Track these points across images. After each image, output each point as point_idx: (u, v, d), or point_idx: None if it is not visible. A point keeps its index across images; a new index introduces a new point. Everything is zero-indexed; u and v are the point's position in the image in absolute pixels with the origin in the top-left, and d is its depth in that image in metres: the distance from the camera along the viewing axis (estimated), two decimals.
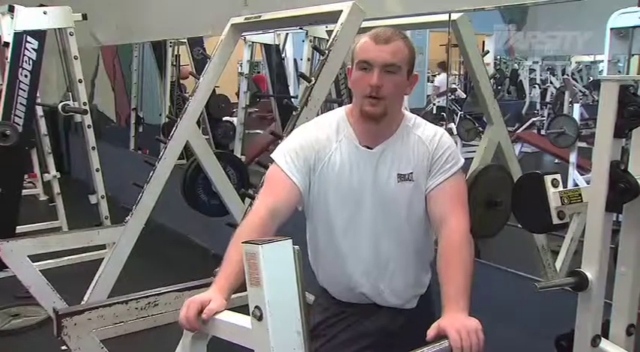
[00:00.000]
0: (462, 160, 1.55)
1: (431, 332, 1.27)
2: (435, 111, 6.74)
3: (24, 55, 3.38)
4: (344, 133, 1.55)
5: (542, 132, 6.22)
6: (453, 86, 6.81)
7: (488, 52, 6.25)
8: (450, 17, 2.67)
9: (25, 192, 4.24)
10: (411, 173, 1.51)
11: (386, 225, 1.53)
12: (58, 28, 3.66)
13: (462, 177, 1.55)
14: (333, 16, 2.23)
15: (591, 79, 7.37)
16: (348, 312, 1.63)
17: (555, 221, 1.76)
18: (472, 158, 2.88)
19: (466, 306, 1.33)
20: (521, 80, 8.03)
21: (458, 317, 1.28)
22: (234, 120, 5.41)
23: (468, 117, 6.00)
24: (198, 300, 1.26)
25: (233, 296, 1.93)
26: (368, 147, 1.53)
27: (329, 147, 1.53)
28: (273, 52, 5.30)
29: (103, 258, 2.82)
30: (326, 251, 1.60)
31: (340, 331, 1.63)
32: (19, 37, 3.38)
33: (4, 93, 3.38)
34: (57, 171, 4.54)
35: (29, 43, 3.40)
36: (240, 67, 5.41)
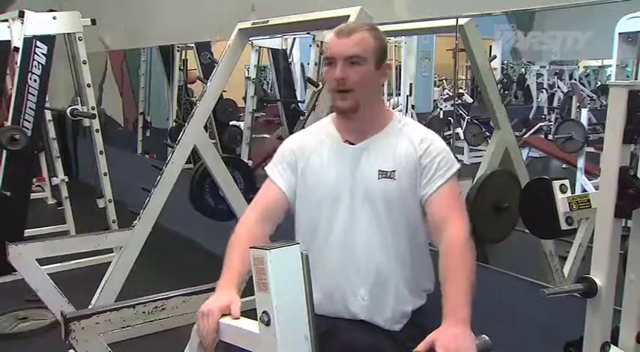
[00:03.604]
0: (457, 164, 1.51)
1: (421, 346, 1.24)
2: (442, 116, 6.72)
3: (33, 59, 3.41)
4: (326, 133, 1.56)
5: (550, 137, 6.20)
6: (460, 91, 6.80)
7: (495, 56, 6.24)
8: (457, 22, 2.67)
9: (33, 195, 4.28)
10: (394, 171, 1.48)
11: (365, 223, 1.49)
12: (67, 33, 3.69)
13: (456, 180, 1.51)
14: (340, 21, 2.21)
15: (599, 83, 7.34)
16: (322, 325, 1.52)
17: (563, 226, 1.75)
18: (479, 163, 2.88)
19: (467, 316, 1.29)
20: (528, 85, 8.00)
21: (454, 334, 1.24)
22: (242, 124, 5.42)
23: (475, 121, 5.99)
24: (216, 309, 1.26)
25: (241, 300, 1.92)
26: (350, 143, 1.52)
27: (310, 147, 1.56)
28: (280, 57, 5.31)
29: (110, 262, 2.84)
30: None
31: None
32: (28, 42, 3.41)
33: (13, 97, 3.41)
34: (65, 175, 4.55)
35: (39, 47, 3.42)
36: (247, 72, 5.42)
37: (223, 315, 1.27)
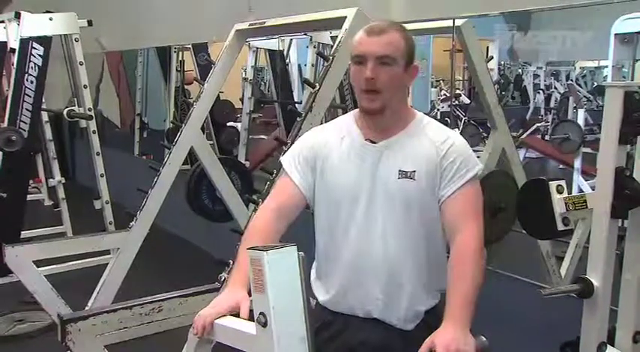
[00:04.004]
0: (479, 165, 1.49)
1: (423, 348, 1.26)
2: (439, 117, 6.73)
3: (30, 61, 3.41)
4: (347, 130, 1.54)
5: (547, 137, 6.21)
6: (458, 92, 6.81)
7: (492, 57, 6.25)
8: (454, 23, 2.67)
9: (29, 197, 4.26)
10: (414, 171, 1.46)
11: (382, 222, 1.48)
12: (64, 34, 3.69)
13: (477, 183, 1.49)
14: (337, 22, 2.23)
15: (595, 84, 7.36)
16: (337, 323, 1.56)
17: (560, 227, 1.75)
18: None
19: (467, 319, 1.30)
20: (525, 85, 8.02)
21: (452, 334, 1.26)
22: (239, 125, 5.42)
23: (472, 122, 5.99)
24: (224, 308, 1.27)
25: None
26: (372, 142, 1.50)
27: (329, 145, 1.53)
28: (277, 58, 5.32)
29: (107, 264, 2.83)
30: (326, 250, 1.56)
31: (326, 341, 1.56)
32: (25, 43, 3.41)
33: (9, 99, 3.41)
34: (62, 176, 4.55)
35: (35, 49, 3.42)
36: (244, 73, 5.42)
37: (231, 315, 1.27)
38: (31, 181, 4.91)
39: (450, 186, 1.46)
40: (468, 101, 6.73)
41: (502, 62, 7.82)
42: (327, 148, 1.53)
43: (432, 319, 1.50)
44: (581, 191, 4.11)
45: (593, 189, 1.51)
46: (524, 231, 1.98)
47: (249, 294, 1.21)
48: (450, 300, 1.35)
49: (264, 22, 2.65)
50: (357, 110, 1.57)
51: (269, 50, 5.25)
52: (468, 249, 1.41)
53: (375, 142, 1.50)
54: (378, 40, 1.42)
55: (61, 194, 4.49)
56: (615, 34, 2.97)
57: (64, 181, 4.54)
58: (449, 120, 6.35)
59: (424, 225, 1.49)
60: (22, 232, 3.52)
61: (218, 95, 3.12)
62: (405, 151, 1.48)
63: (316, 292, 1.60)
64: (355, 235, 1.49)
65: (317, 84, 2.20)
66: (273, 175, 2.15)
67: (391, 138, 1.50)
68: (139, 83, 6.23)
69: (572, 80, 7.44)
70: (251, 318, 1.13)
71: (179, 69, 5.87)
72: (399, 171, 1.47)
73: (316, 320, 1.59)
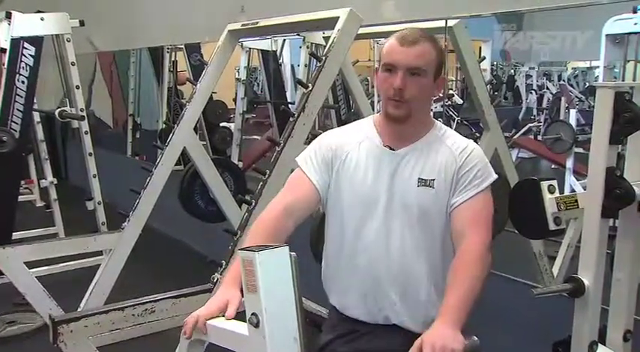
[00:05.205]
0: (493, 176, 1.50)
1: (413, 349, 1.24)
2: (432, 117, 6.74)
3: (21, 61, 3.38)
4: (366, 134, 1.54)
5: (539, 137, 6.24)
6: (450, 92, 6.83)
7: (484, 58, 6.28)
8: (446, 24, 2.68)
9: (21, 198, 4.24)
10: (433, 180, 1.47)
11: (399, 228, 1.48)
12: (55, 34, 3.67)
13: (489, 193, 1.49)
14: (330, 23, 2.24)
15: (587, 84, 7.40)
16: (356, 331, 1.55)
17: (552, 227, 1.75)
18: None
19: (458, 320, 1.29)
20: (517, 86, 8.06)
21: (442, 334, 1.25)
22: (232, 126, 5.41)
23: (464, 123, 6.01)
24: (215, 306, 1.25)
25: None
26: (391, 148, 1.50)
27: (348, 147, 1.53)
28: (270, 58, 5.31)
29: (99, 265, 2.82)
30: (338, 253, 1.55)
31: (343, 346, 1.55)
32: (16, 43, 3.38)
33: (0, 99, 3.38)
34: (54, 177, 4.52)
35: (26, 49, 3.39)
36: (237, 73, 5.42)
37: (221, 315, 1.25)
38: (22, 182, 4.88)
39: (463, 194, 1.47)
40: (460, 101, 6.75)
41: (494, 62, 7.86)
42: (345, 151, 1.53)
43: None
44: (573, 191, 4.13)
45: (585, 189, 1.51)
46: (516, 231, 1.99)
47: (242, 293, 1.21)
48: (445, 300, 1.35)
49: (257, 23, 2.65)
50: (376, 115, 1.58)
51: (262, 50, 5.24)
52: (472, 254, 1.41)
53: (393, 149, 1.50)
54: (411, 50, 1.42)
55: (53, 195, 4.46)
56: (606, 35, 2.98)
57: (56, 182, 4.51)
58: (442, 121, 6.37)
59: (440, 231, 1.49)
60: (14, 233, 3.49)
61: (211, 95, 3.12)
62: (424, 159, 1.49)
63: (330, 296, 1.60)
64: (370, 241, 1.49)
65: (310, 84, 2.20)
66: (267, 176, 2.15)
67: (410, 145, 1.50)
68: (131, 83, 6.20)
69: (564, 80, 7.49)
70: (243, 319, 1.13)
71: (172, 69, 5.86)
72: (419, 178, 1.47)
73: (333, 326, 1.60)
